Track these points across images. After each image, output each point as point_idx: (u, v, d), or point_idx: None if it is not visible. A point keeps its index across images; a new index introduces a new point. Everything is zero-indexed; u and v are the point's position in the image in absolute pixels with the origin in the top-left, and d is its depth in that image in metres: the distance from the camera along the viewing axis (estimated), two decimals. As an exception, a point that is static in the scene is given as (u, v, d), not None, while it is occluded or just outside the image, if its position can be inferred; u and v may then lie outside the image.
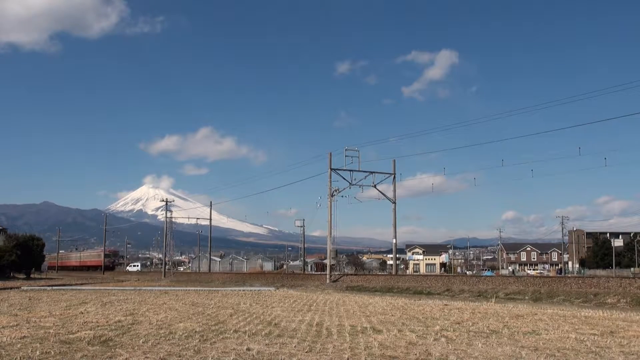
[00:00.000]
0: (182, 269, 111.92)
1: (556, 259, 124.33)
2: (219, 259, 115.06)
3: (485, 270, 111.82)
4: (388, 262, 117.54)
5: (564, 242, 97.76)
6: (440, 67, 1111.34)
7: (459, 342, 10.81)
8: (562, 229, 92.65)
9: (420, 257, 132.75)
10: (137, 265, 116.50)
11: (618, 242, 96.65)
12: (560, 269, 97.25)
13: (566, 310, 18.80)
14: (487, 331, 12.58)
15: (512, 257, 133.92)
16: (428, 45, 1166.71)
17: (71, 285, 43.61)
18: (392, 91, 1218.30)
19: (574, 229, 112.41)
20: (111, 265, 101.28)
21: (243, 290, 32.96)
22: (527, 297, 25.55)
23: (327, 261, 45.49)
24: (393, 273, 46.30)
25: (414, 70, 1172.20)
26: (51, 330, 12.07)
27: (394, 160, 47.04)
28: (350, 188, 44.30)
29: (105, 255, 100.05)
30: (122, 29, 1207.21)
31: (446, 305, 20.95)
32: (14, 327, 12.76)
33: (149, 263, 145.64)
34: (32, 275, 69.54)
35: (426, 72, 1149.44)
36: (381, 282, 35.59)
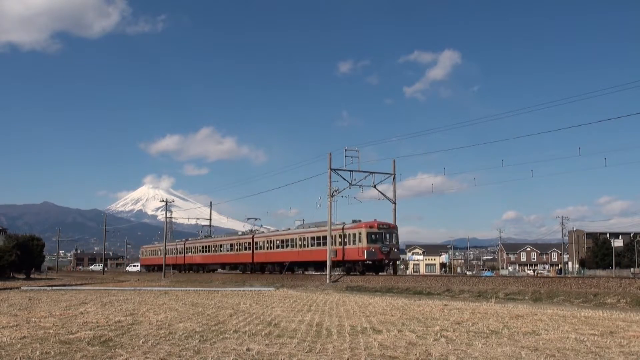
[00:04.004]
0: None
1: (556, 259, 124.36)
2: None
3: (485, 270, 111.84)
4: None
5: (564, 243, 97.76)
6: (443, 67, 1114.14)
7: (459, 343, 10.80)
8: (562, 229, 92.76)
9: (420, 257, 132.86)
10: (137, 266, 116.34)
11: (618, 243, 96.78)
12: (560, 269, 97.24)
13: (566, 311, 18.79)
14: (487, 331, 12.58)
15: (512, 257, 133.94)
16: (430, 45, 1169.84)
17: (71, 285, 43.60)
18: (393, 91, 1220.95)
19: (574, 229, 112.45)
20: (386, 260, 42.08)
21: (243, 291, 32.94)
22: (527, 297, 25.54)
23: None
24: (393, 273, 46.27)
25: (416, 70, 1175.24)
26: (51, 331, 12.07)
27: (394, 161, 46.80)
28: (350, 188, 43.73)
29: (371, 238, 40.97)
30: (123, 28, 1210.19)
31: (446, 305, 20.93)
32: (14, 328, 12.75)
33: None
34: (32, 276, 69.52)
35: (428, 72, 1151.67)
36: (381, 283, 35.59)
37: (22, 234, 76.88)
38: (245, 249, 56.04)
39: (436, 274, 41.80)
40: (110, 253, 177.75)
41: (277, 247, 51.72)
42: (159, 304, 20.99)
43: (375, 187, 45.71)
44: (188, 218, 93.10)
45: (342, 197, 43.80)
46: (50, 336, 11.19)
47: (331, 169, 42.79)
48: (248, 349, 9.70)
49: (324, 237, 43.25)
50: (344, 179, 43.60)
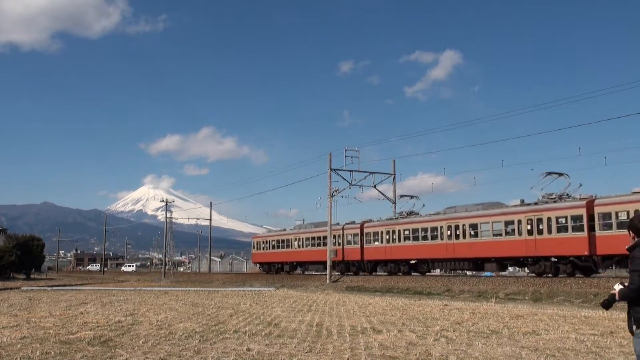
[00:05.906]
0: (182, 270, 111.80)
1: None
2: (219, 260, 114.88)
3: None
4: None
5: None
6: (444, 67, 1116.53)
7: (459, 343, 10.80)
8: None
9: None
10: (132, 266, 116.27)
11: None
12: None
13: (566, 311, 18.79)
14: (487, 331, 12.58)
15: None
16: (432, 45, 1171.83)
17: (71, 285, 43.61)
18: (394, 91, 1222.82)
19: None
20: None
21: (243, 291, 32.95)
22: (527, 297, 25.55)
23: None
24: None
25: (417, 70, 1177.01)
26: (51, 331, 12.07)
27: (394, 161, 46.75)
28: (350, 188, 43.45)
29: None
30: (124, 28, 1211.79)
31: (446, 305, 20.94)
32: (14, 328, 12.76)
33: (149, 263, 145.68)
34: (32, 276, 69.52)
35: (429, 73, 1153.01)
36: (381, 283, 35.59)
37: (22, 234, 76.86)
38: (512, 232, 31.04)
39: (436, 274, 41.51)
40: (111, 253, 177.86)
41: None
42: (159, 304, 21.00)
43: (375, 187, 45.78)
44: (188, 218, 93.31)
45: (342, 197, 43.79)
46: (51, 336, 11.19)
47: (331, 169, 42.81)
48: (248, 349, 9.70)
49: None
50: (344, 179, 43.61)
